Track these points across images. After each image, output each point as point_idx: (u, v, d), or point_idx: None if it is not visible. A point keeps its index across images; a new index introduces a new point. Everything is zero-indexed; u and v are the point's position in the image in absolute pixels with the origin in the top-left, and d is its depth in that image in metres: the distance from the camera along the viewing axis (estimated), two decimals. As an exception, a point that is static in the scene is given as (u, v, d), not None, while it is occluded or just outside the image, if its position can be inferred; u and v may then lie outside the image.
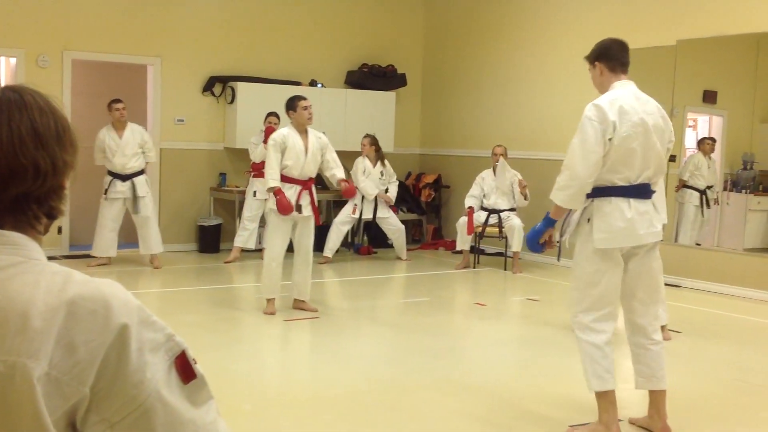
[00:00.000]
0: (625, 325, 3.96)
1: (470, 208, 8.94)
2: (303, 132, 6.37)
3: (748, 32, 7.84)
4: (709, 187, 8.70)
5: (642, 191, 3.77)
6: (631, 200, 3.74)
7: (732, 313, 6.98)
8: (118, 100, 8.40)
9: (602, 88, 3.88)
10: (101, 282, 1.12)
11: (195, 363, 1.16)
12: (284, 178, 6.30)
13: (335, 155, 6.53)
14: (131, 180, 8.34)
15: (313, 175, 6.46)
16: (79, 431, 1.07)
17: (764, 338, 6.20)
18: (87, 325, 1.06)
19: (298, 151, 6.29)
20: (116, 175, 8.31)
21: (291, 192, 6.28)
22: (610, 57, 3.85)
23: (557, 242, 3.99)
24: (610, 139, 3.67)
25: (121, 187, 8.31)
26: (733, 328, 6.53)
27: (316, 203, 6.46)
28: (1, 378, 1.02)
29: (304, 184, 6.35)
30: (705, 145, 8.72)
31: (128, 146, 8.34)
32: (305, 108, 6.33)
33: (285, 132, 6.36)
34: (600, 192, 3.74)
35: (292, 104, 6.37)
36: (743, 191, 8.58)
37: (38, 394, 1.02)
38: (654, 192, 3.85)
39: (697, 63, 8.53)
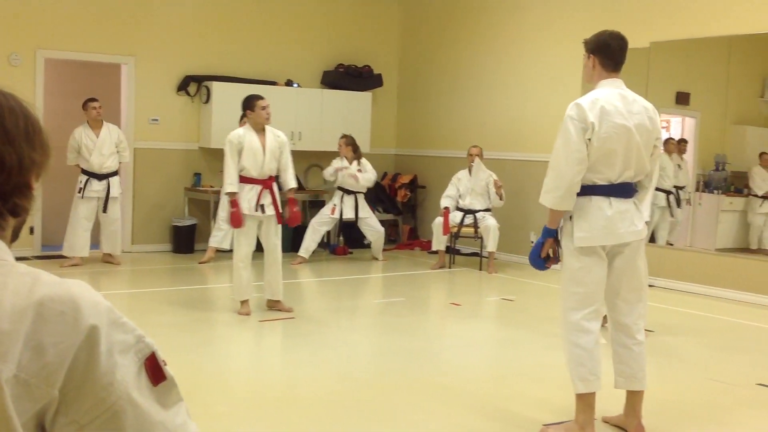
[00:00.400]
0: (609, 323, 3.96)
1: (446, 208, 8.96)
2: (260, 131, 6.29)
3: (721, 35, 7.93)
4: (680, 188, 8.77)
5: (623, 190, 3.77)
6: (612, 199, 3.74)
7: (704, 313, 7.05)
8: (94, 99, 8.41)
9: (590, 81, 3.87)
10: (70, 283, 1.11)
11: (165, 365, 1.15)
12: (244, 179, 6.24)
13: (290, 156, 6.45)
14: (108, 179, 8.34)
15: (274, 174, 6.36)
16: (47, 433, 1.06)
17: (737, 337, 6.27)
18: (56, 326, 1.05)
19: (256, 150, 6.22)
20: (93, 175, 8.29)
21: (252, 193, 6.23)
22: (607, 54, 3.80)
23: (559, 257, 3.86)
24: (589, 139, 3.66)
25: (98, 186, 8.32)
26: (706, 327, 6.59)
27: (278, 201, 6.36)
28: (-31, 381, 1.01)
29: (264, 183, 6.28)
30: (669, 145, 8.77)
31: (105, 145, 8.37)
32: (263, 108, 6.25)
33: (241, 132, 6.27)
34: (581, 191, 3.73)
35: (249, 104, 6.28)
36: (715, 192, 8.67)
37: (7, 397, 1.00)
38: (636, 191, 3.86)
39: (670, 65, 8.62)
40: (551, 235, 3.82)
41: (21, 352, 1.02)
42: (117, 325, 1.10)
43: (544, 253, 3.83)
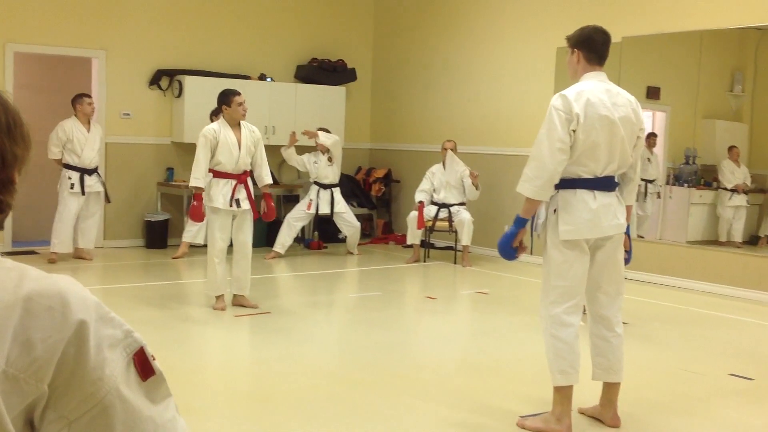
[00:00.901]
0: (588, 316, 4.00)
1: (420, 202, 8.98)
2: (235, 126, 6.27)
3: (692, 29, 8.01)
4: (649, 181, 8.85)
5: (606, 184, 3.79)
6: (596, 192, 3.75)
7: (676, 304, 7.14)
8: (87, 95, 8.48)
9: (575, 75, 3.87)
10: (57, 278, 1.10)
11: (153, 359, 1.15)
12: (219, 174, 6.21)
13: (264, 151, 6.45)
14: (96, 173, 8.46)
15: (248, 168, 6.34)
16: (36, 429, 1.05)
17: (709, 328, 6.35)
18: (44, 321, 1.04)
19: (231, 146, 6.19)
20: (84, 170, 8.30)
21: (227, 187, 6.20)
22: (591, 48, 3.81)
23: (528, 246, 3.87)
24: (574, 131, 3.67)
25: (89, 181, 8.36)
26: (678, 318, 6.67)
27: (253, 196, 6.35)
28: (-43, 376, 1.00)
29: (239, 177, 6.25)
30: None
31: (96, 141, 8.45)
32: (240, 104, 6.22)
33: (216, 127, 6.22)
34: (565, 184, 3.74)
35: (226, 99, 6.23)
36: (685, 185, 8.78)
37: (-3, 393, 1.00)
38: (617, 184, 3.88)
39: (641, 60, 8.69)
40: (524, 225, 3.81)
41: (9, 348, 1.01)
42: (105, 320, 1.10)
43: (516, 243, 3.82)
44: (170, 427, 1.14)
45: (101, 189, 8.53)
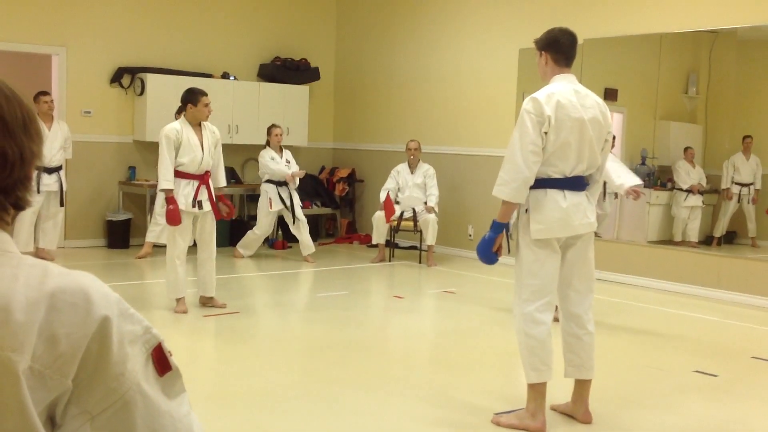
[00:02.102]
0: (560, 314, 4.05)
1: (387, 192, 8.95)
2: (197, 125, 6.17)
3: (652, 32, 8.16)
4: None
5: (576, 183, 3.86)
6: (566, 192, 3.82)
7: (637, 303, 7.26)
8: (45, 93, 8.36)
9: (544, 77, 3.94)
10: (79, 274, 1.11)
11: (170, 355, 1.16)
12: (181, 174, 6.12)
13: (221, 153, 6.37)
14: (57, 173, 8.33)
15: (210, 168, 6.25)
16: (57, 425, 1.06)
17: (668, 326, 6.46)
18: (68, 317, 1.05)
19: (194, 146, 6.10)
20: (43, 169, 8.20)
21: (189, 188, 6.12)
22: (558, 50, 3.88)
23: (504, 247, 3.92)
24: (546, 133, 3.75)
25: (48, 180, 8.27)
26: (638, 316, 6.78)
27: (214, 197, 6.26)
28: (-15, 372, 1.00)
29: (202, 178, 6.18)
30: None
31: (56, 140, 8.34)
32: (206, 105, 6.13)
33: (177, 127, 6.11)
34: (536, 184, 3.80)
35: (193, 98, 6.11)
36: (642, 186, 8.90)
37: (24, 388, 1.00)
38: (587, 184, 3.95)
39: (600, 62, 8.81)
40: (502, 230, 3.86)
41: (35, 344, 1.02)
42: (126, 316, 1.11)
43: (496, 248, 3.87)
44: (186, 422, 1.16)
45: (59, 189, 8.40)
